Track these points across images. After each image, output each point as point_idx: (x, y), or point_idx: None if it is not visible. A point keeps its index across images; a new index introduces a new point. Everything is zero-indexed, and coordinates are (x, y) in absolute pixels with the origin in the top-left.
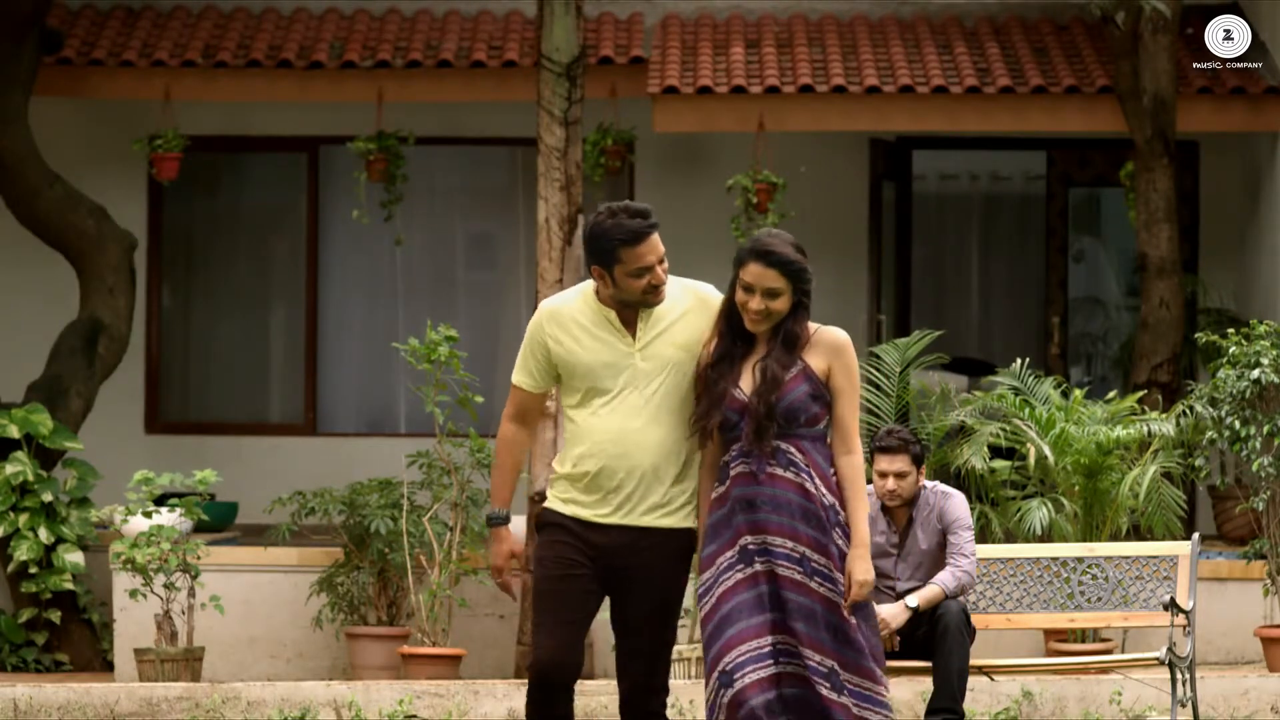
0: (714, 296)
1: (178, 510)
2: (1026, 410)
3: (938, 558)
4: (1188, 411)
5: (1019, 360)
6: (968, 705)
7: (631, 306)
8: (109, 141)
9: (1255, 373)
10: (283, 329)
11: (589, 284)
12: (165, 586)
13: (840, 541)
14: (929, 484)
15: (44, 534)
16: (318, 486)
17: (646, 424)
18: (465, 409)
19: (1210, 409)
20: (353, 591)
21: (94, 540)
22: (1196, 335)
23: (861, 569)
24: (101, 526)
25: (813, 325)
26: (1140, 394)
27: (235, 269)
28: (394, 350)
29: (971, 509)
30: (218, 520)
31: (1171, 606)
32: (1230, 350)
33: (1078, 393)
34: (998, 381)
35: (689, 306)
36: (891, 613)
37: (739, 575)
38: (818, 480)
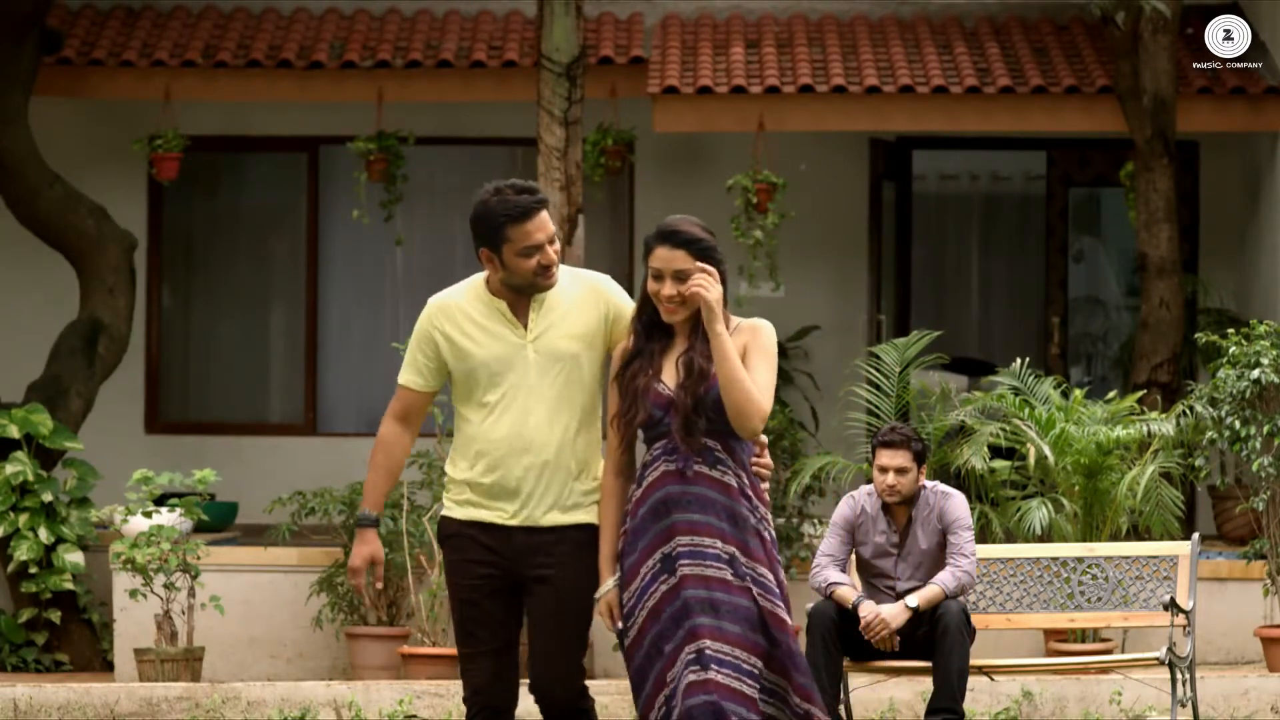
0: (606, 284)
1: (178, 510)
2: (1026, 410)
3: (938, 558)
4: (1188, 411)
5: (1019, 360)
6: (968, 705)
7: (524, 292)
8: (109, 141)
9: (1255, 373)
10: (283, 329)
11: (480, 276)
12: (165, 586)
13: (766, 547)
14: (929, 484)
15: (44, 534)
16: (318, 486)
17: (543, 419)
18: None
19: (1210, 409)
20: (353, 591)
21: (94, 540)
22: (1196, 335)
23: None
24: (101, 526)
25: (735, 319)
26: (1140, 394)
27: (235, 269)
28: (394, 350)
29: (971, 509)
30: (218, 520)
31: (1171, 606)
32: (1230, 350)
33: (1078, 393)
34: (998, 381)
35: (580, 295)
36: (891, 613)
37: (663, 588)
38: (744, 479)
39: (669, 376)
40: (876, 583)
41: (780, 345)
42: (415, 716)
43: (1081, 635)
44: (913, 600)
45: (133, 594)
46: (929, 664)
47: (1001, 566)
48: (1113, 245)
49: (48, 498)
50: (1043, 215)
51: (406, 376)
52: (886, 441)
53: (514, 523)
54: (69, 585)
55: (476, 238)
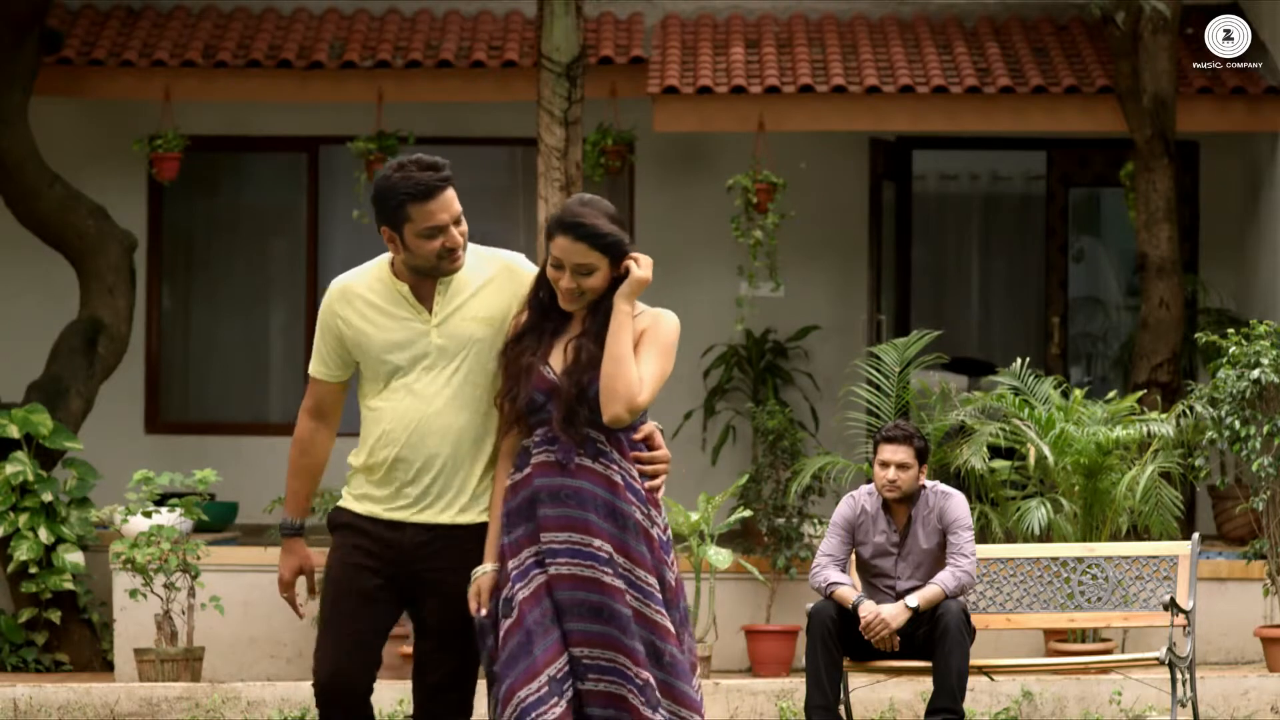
0: (522, 266)
1: (178, 510)
2: (1026, 410)
3: (938, 557)
4: (1188, 411)
5: (1019, 360)
6: (968, 705)
7: (427, 276)
8: (109, 141)
9: (1255, 373)
10: (283, 329)
11: (384, 257)
12: (165, 586)
13: (654, 549)
14: (929, 484)
15: (44, 534)
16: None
17: (445, 408)
18: None
19: (1210, 409)
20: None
21: (94, 540)
22: (1196, 335)
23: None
24: (101, 526)
25: (641, 305)
26: (1140, 394)
27: (235, 269)
28: None
29: (971, 509)
30: (218, 520)
31: (1171, 606)
32: (1230, 350)
33: (1078, 393)
34: (998, 381)
35: (492, 276)
36: (891, 613)
37: (536, 582)
38: (628, 470)
39: (557, 360)
40: (876, 582)
41: (780, 345)
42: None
43: (1081, 635)
44: (913, 600)
45: (133, 594)
46: (929, 664)
47: (1001, 566)
48: (1113, 245)
49: (48, 498)
50: (1043, 215)
51: (314, 367)
52: (889, 436)
53: (410, 518)
54: (69, 585)
55: (378, 215)
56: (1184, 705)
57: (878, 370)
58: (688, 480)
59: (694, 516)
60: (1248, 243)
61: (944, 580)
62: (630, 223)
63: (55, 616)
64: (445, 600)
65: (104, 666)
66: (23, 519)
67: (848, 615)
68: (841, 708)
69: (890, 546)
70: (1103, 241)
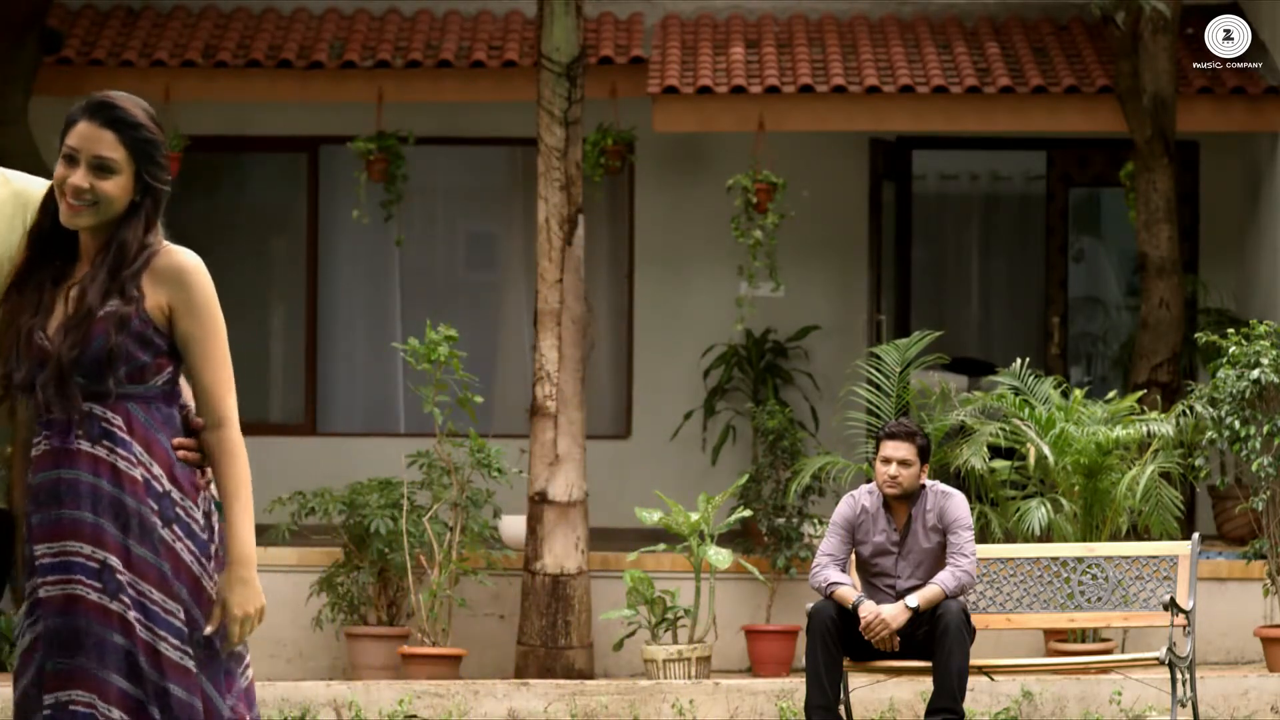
0: (39, 189)
1: None
2: (1026, 410)
3: (938, 557)
4: (1188, 411)
5: (1019, 360)
6: (968, 705)
7: None
8: None
9: (1255, 373)
10: (283, 329)
11: None
12: None
13: (175, 550)
14: (929, 483)
15: None
16: (318, 486)
17: None
18: (465, 409)
19: (1210, 409)
20: (353, 591)
21: None
22: (1196, 335)
23: (239, 596)
24: None
25: (170, 246)
26: (1140, 394)
27: (235, 269)
28: (394, 350)
29: (971, 509)
30: None
31: (1171, 606)
32: (1230, 350)
33: (1078, 393)
34: (998, 381)
35: (2, 200)
36: (891, 613)
37: (31, 634)
38: (143, 458)
39: (57, 321)
40: (877, 582)
41: (780, 345)
42: (415, 716)
43: (1081, 635)
44: (913, 600)
45: None
46: (929, 664)
47: (1001, 566)
48: (1113, 245)
49: None
50: (1043, 215)
51: None
52: (891, 433)
53: None
54: None
55: None
56: (1184, 705)
57: (878, 370)
58: (688, 480)
59: (694, 516)
60: (1248, 243)
61: (944, 580)
62: (630, 222)
63: None
64: None
65: None
66: None
67: (848, 615)
68: (841, 708)
69: (890, 545)
70: (1103, 241)
